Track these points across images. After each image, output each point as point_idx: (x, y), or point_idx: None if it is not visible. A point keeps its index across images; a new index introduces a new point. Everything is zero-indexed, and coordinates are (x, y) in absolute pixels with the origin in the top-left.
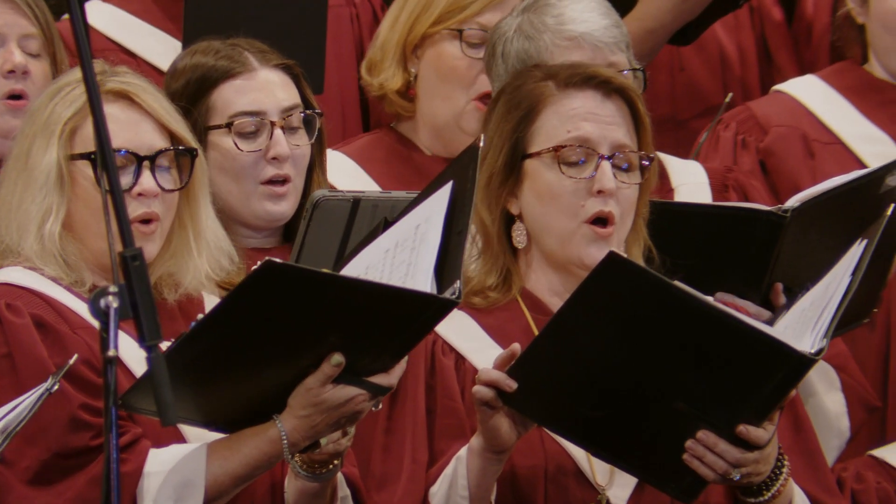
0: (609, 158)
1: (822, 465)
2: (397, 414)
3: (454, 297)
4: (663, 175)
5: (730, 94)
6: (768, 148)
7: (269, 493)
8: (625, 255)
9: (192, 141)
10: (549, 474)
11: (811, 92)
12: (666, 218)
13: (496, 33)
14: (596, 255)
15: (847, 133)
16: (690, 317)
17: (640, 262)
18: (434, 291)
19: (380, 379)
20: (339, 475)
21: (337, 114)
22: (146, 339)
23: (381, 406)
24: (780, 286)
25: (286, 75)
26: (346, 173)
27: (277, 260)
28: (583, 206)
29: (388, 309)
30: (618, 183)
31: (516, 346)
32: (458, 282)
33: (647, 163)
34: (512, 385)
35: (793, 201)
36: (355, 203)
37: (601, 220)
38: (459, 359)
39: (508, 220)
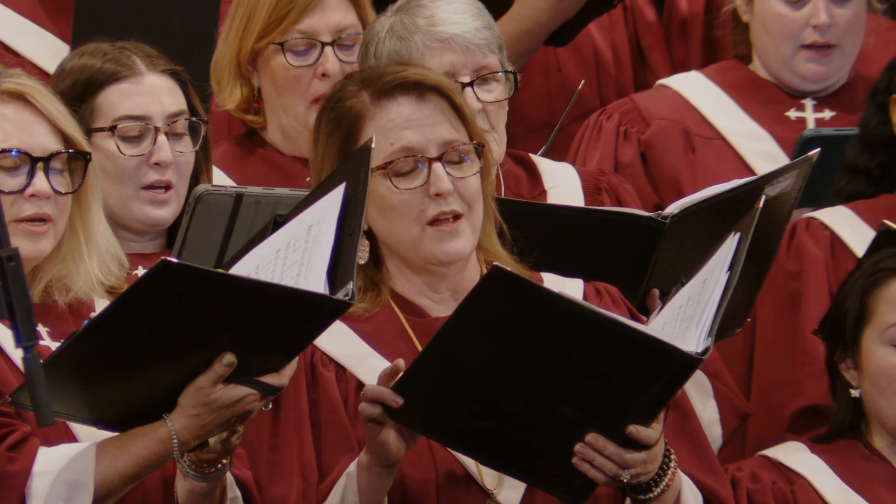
0: (439, 159)
1: (706, 448)
2: (281, 430)
3: (347, 298)
4: (536, 177)
5: (582, 81)
6: (649, 140)
7: (161, 490)
8: (508, 269)
9: (85, 145)
10: (439, 482)
11: (695, 87)
12: (546, 221)
13: (369, 33)
14: (450, 249)
15: (728, 129)
16: (575, 324)
17: (494, 237)
18: (327, 292)
19: (271, 379)
20: (230, 476)
21: (223, 118)
22: (22, 340)
23: (270, 406)
24: (656, 292)
25: (173, 81)
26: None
27: (173, 259)
28: (423, 211)
29: (281, 309)
30: (454, 179)
31: (400, 362)
32: (351, 283)
33: (477, 150)
34: (398, 401)
35: (672, 208)
36: (238, 198)
37: (445, 220)
38: (340, 370)
39: None
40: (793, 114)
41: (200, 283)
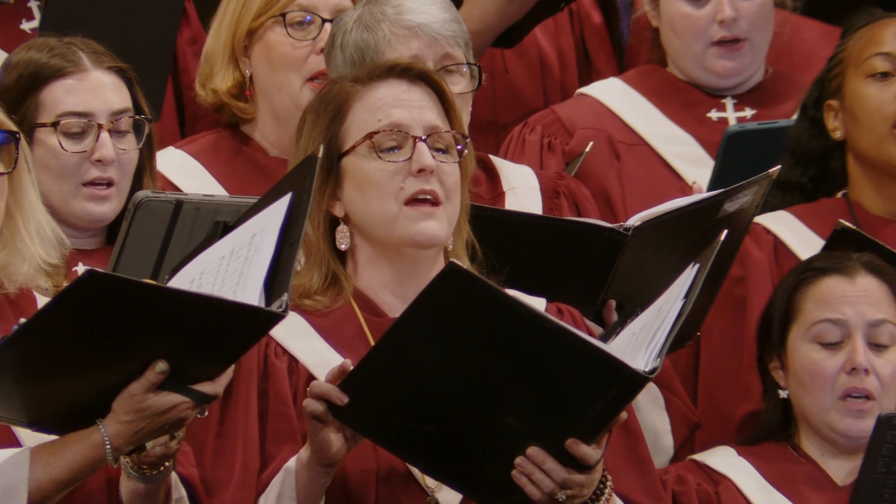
0: (424, 140)
1: (651, 471)
2: (229, 418)
3: (280, 310)
4: (495, 178)
5: (591, 143)
6: (573, 150)
7: (105, 491)
8: (465, 266)
9: (11, 125)
10: (380, 478)
11: (614, 94)
12: (508, 227)
13: (336, 26)
14: (425, 229)
15: (651, 134)
16: (528, 332)
17: (465, 258)
18: (262, 303)
19: (205, 387)
20: (175, 476)
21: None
22: None
23: (206, 413)
24: (612, 303)
25: (119, 78)
26: (189, 172)
27: (99, 270)
28: (402, 188)
29: (214, 319)
30: (437, 162)
31: (347, 363)
32: (286, 294)
33: (461, 147)
34: (343, 399)
35: (633, 220)
36: (178, 205)
37: (423, 200)
38: (293, 361)
39: (332, 224)
40: (714, 115)
41: (127, 294)
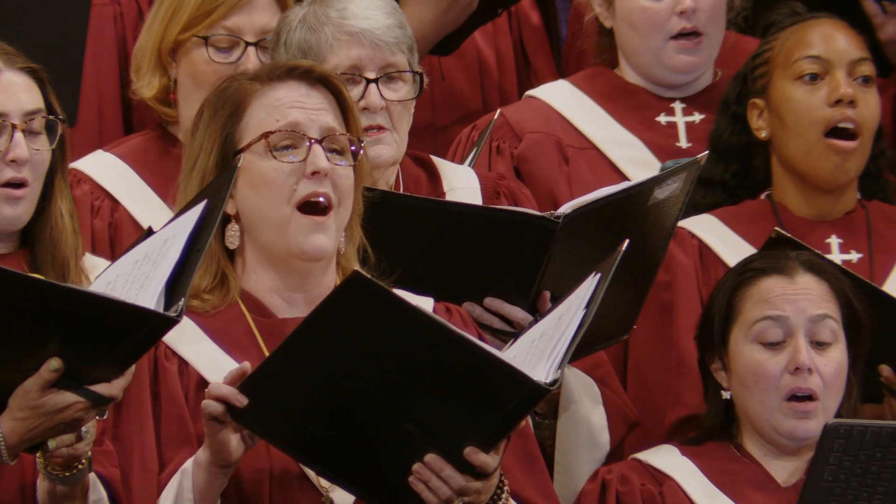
0: (320, 142)
1: (542, 470)
2: (124, 422)
3: (175, 314)
4: (436, 179)
5: (498, 111)
6: (522, 154)
7: (19, 494)
8: (368, 275)
9: None
10: (274, 478)
11: (563, 97)
12: (440, 218)
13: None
14: (315, 241)
15: (600, 138)
16: (429, 340)
17: (356, 262)
18: (161, 307)
19: (101, 388)
20: (93, 477)
21: (94, 115)
22: None
23: (106, 415)
24: (547, 294)
25: (31, 79)
26: (117, 175)
27: None
28: (295, 190)
29: (108, 320)
30: (332, 165)
31: (246, 365)
32: (183, 299)
33: (355, 148)
34: (242, 401)
35: (565, 209)
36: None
37: (315, 208)
38: (182, 363)
39: (223, 221)
40: (663, 119)
41: (20, 290)
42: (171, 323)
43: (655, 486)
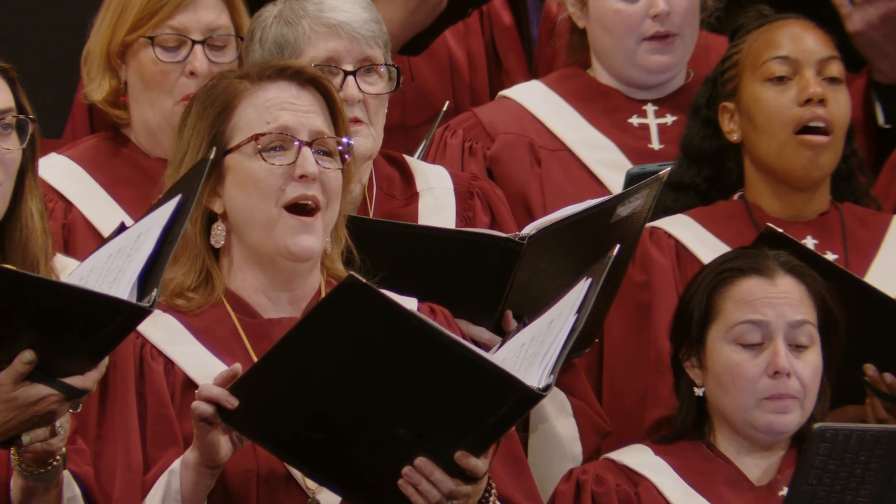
0: (309, 145)
1: (526, 472)
2: (108, 420)
3: (148, 305)
4: (409, 178)
5: (447, 102)
6: (495, 155)
7: None
8: (364, 280)
9: None
10: (261, 478)
11: (536, 98)
12: (405, 240)
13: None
14: (302, 242)
15: (572, 140)
16: (424, 345)
17: (339, 263)
18: (133, 298)
19: (74, 381)
20: (67, 475)
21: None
22: None
23: (80, 408)
24: (510, 313)
25: (1, 78)
26: (70, 177)
27: None
28: (283, 191)
29: (81, 311)
30: (321, 168)
31: (237, 367)
32: (156, 290)
33: (342, 148)
34: (233, 402)
35: (529, 229)
36: None
37: (303, 209)
38: (168, 363)
39: (210, 220)
40: (635, 120)
41: None
42: (143, 313)
43: (631, 486)
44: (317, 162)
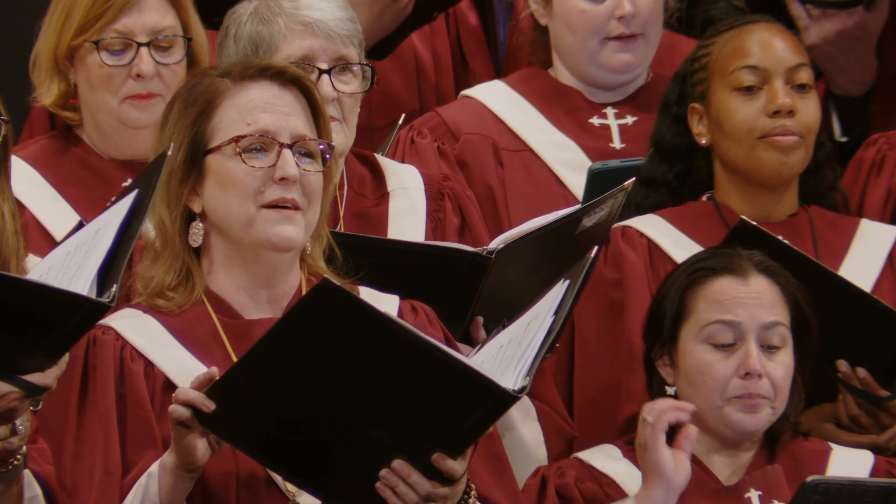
0: (290, 147)
1: (508, 471)
2: (87, 422)
3: (108, 300)
4: (380, 178)
5: (402, 116)
6: (459, 156)
7: None
8: (337, 284)
9: None
10: (240, 481)
11: (499, 98)
12: (374, 253)
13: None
14: (283, 232)
15: (535, 140)
16: (398, 348)
17: (321, 262)
18: (93, 294)
19: (34, 378)
20: (28, 474)
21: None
22: None
23: (40, 406)
24: (480, 319)
25: None
26: (23, 178)
27: None
28: (263, 193)
29: (40, 307)
30: (301, 170)
31: (214, 370)
32: (116, 286)
33: (323, 148)
34: (210, 406)
35: (496, 243)
36: None
37: (282, 206)
38: (148, 365)
39: (189, 219)
40: (596, 121)
41: None
42: (103, 309)
43: (597, 486)
44: (297, 164)
